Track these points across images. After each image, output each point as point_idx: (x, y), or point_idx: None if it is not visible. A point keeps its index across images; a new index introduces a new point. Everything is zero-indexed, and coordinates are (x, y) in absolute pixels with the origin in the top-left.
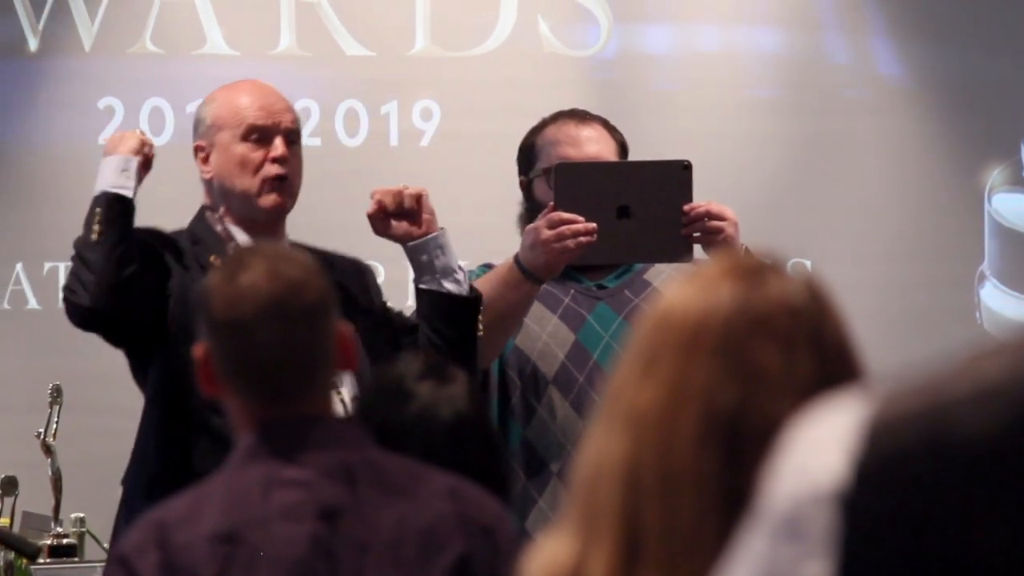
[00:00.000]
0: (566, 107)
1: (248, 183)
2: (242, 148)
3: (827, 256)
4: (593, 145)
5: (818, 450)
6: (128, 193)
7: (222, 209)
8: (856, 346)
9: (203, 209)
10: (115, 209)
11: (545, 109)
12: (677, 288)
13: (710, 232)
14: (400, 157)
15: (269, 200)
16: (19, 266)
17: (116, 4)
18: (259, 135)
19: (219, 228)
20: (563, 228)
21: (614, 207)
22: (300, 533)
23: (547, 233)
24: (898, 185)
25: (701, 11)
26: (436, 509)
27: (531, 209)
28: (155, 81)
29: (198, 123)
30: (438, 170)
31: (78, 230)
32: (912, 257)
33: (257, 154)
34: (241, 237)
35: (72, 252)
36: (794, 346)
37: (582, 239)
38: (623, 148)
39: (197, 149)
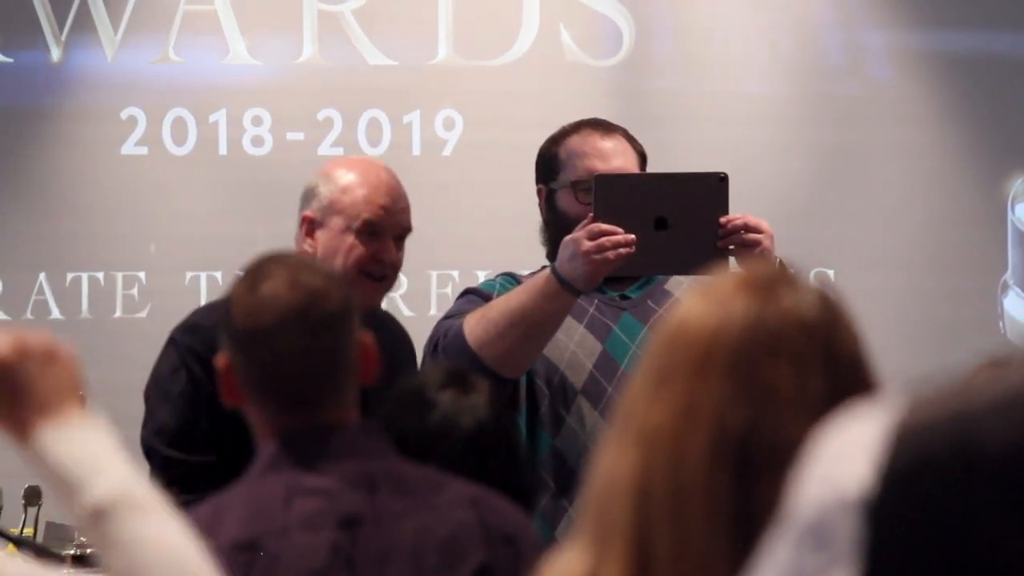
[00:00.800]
0: (588, 116)
1: (348, 271)
2: (352, 240)
3: (850, 265)
4: (619, 158)
5: (844, 458)
6: None
7: None
8: (870, 360)
9: None
10: None
11: (567, 118)
12: (690, 302)
13: (747, 245)
14: (422, 167)
15: (363, 297)
16: (42, 276)
17: (139, 14)
18: (372, 231)
19: None
20: (603, 239)
21: (652, 218)
22: (320, 542)
23: (587, 244)
24: (921, 194)
25: (723, 21)
26: (457, 518)
27: (553, 219)
28: (178, 91)
29: (312, 195)
30: (460, 180)
31: (100, 240)
32: (935, 266)
33: (365, 249)
34: None
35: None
36: (806, 365)
37: (622, 250)
38: (643, 158)
39: (304, 220)
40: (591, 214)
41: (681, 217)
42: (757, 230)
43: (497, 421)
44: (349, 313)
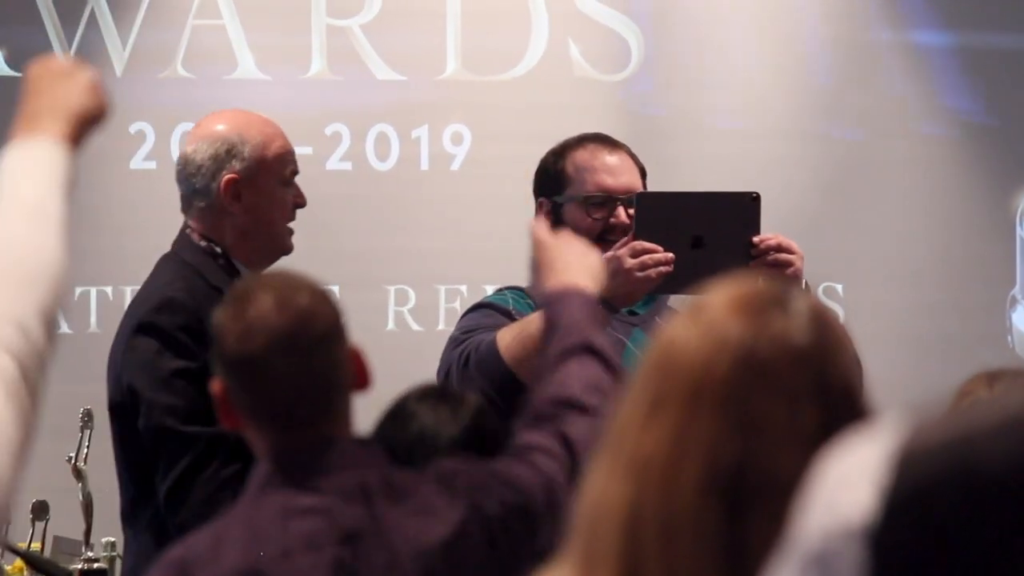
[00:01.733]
0: (596, 131)
1: (284, 226)
2: (283, 192)
3: (858, 280)
4: (626, 174)
5: (846, 485)
6: None
7: (231, 244)
8: (864, 387)
9: (198, 238)
10: None
11: (576, 132)
12: (681, 325)
13: (778, 265)
14: (431, 181)
15: (291, 244)
16: None
17: (147, 29)
18: (291, 178)
19: (222, 262)
20: (645, 257)
21: (689, 237)
22: (322, 561)
23: (630, 262)
24: (930, 208)
25: (730, 35)
26: (456, 516)
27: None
28: (186, 106)
29: (231, 156)
30: (468, 194)
31: (109, 255)
32: (943, 281)
33: (294, 196)
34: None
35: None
36: (798, 397)
37: (662, 268)
38: (644, 175)
39: (229, 183)
40: (632, 232)
41: (716, 236)
42: (789, 251)
43: (480, 425)
44: (339, 329)
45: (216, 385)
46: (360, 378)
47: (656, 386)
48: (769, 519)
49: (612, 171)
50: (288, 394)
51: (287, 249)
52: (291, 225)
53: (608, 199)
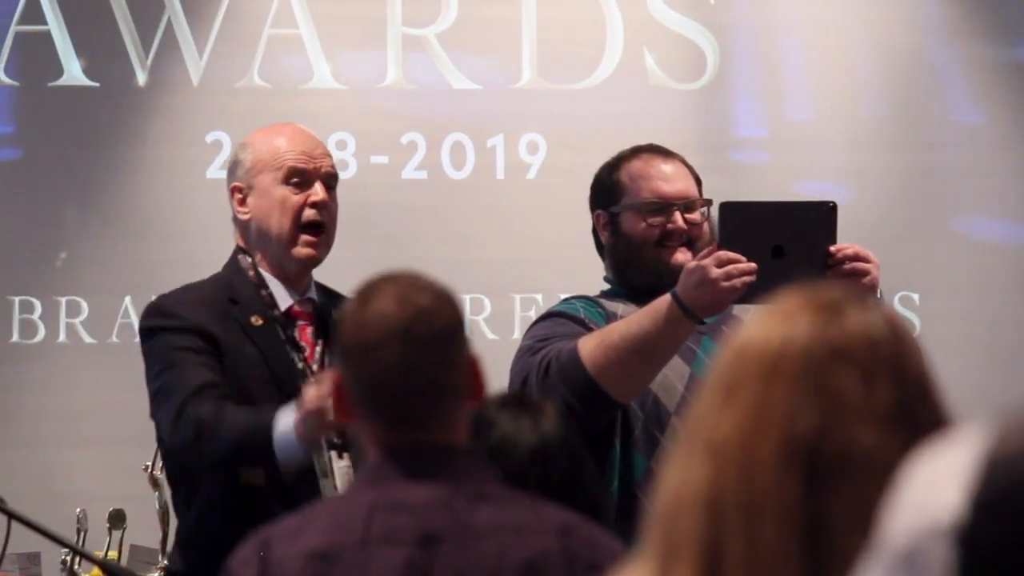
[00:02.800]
0: (668, 140)
1: (285, 226)
2: (282, 191)
3: (935, 289)
4: (681, 180)
5: (935, 486)
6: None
7: (258, 255)
8: (937, 382)
9: (236, 253)
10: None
11: (651, 141)
12: (756, 321)
13: (856, 274)
14: (506, 190)
15: (302, 252)
16: (127, 299)
17: (224, 39)
18: (300, 179)
19: (252, 274)
20: (731, 267)
21: (770, 247)
22: (397, 557)
23: (716, 272)
24: (1007, 217)
25: (805, 44)
26: (542, 543)
27: (616, 242)
28: (262, 115)
29: (236, 165)
30: (544, 203)
31: (184, 263)
32: (1019, 290)
33: (297, 197)
34: (274, 286)
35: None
36: (874, 375)
37: (746, 278)
38: (699, 183)
39: (234, 190)
40: (716, 242)
41: (795, 245)
42: (866, 260)
43: (560, 435)
44: (458, 332)
45: (334, 375)
46: (476, 390)
47: (731, 371)
48: (847, 493)
49: (667, 178)
50: (398, 387)
51: (296, 253)
52: (330, 234)
53: (665, 205)
